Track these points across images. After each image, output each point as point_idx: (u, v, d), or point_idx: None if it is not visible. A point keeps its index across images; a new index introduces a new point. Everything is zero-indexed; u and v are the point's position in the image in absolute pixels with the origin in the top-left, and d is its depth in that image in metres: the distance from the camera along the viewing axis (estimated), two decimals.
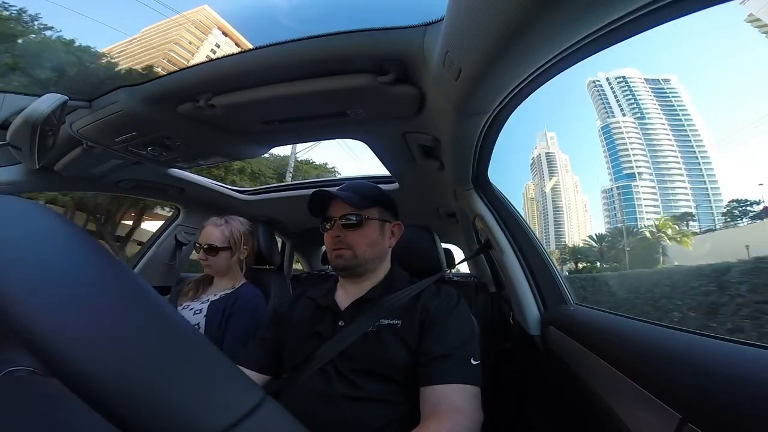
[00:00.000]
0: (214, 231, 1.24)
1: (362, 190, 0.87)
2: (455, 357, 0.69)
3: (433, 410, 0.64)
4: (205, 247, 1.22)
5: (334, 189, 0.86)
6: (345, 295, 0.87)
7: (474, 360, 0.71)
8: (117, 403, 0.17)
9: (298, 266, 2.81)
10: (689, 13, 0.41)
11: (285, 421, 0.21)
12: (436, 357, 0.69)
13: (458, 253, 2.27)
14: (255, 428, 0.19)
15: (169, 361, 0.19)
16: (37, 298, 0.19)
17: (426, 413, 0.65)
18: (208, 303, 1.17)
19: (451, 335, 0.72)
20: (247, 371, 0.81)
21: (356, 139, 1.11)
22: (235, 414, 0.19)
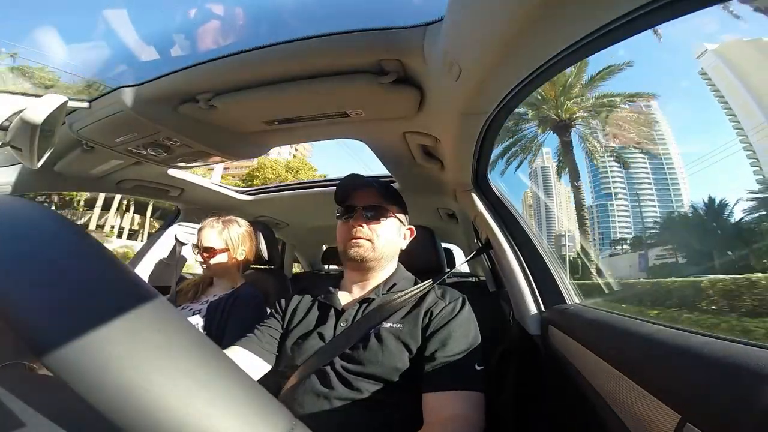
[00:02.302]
0: (211, 233, 1.24)
1: (388, 186, 0.88)
2: (459, 363, 0.69)
3: (436, 417, 0.64)
4: (203, 248, 1.22)
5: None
6: (348, 294, 0.86)
7: (477, 366, 0.70)
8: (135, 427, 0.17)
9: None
10: (689, 13, 0.41)
11: None
12: (439, 363, 0.69)
13: (458, 253, 2.27)
14: None
15: (193, 384, 0.19)
16: (56, 316, 0.18)
17: (429, 419, 0.65)
18: (207, 304, 1.17)
19: (455, 341, 0.72)
20: (246, 354, 0.81)
21: (356, 139, 1.11)
22: None
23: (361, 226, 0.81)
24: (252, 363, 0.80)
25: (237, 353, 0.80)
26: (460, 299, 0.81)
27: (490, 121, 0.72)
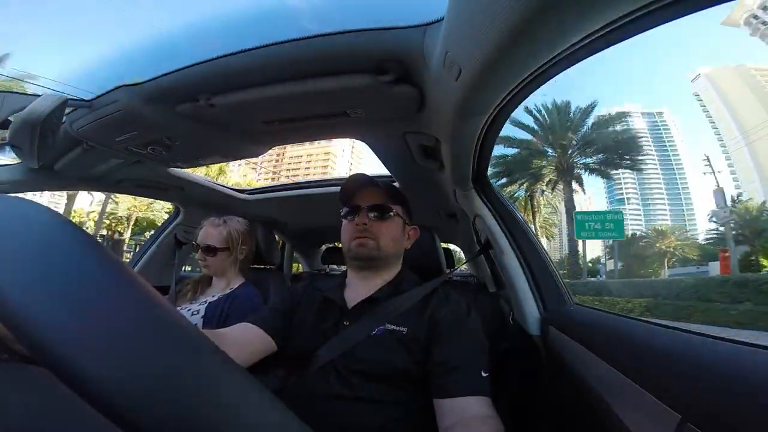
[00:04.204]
0: (213, 231, 1.24)
1: (393, 186, 0.89)
2: (470, 368, 0.68)
3: (458, 421, 0.62)
4: (204, 247, 1.22)
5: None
6: (352, 293, 0.86)
7: (484, 372, 0.70)
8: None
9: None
10: (689, 13, 0.41)
11: None
12: (451, 368, 0.68)
13: (459, 253, 2.26)
14: None
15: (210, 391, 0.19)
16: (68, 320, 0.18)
17: (448, 424, 0.63)
18: (206, 304, 1.17)
19: (463, 346, 0.71)
20: (254, 329, 0.80)
21: (356, 139, 1.11)
22: None
23: (366, 225, 0.82)
24: (259, 340, 0.79)
25: (245, 329, 0.80)
26: (465, 306, 0.80)
27: (490, 122, 0.72)
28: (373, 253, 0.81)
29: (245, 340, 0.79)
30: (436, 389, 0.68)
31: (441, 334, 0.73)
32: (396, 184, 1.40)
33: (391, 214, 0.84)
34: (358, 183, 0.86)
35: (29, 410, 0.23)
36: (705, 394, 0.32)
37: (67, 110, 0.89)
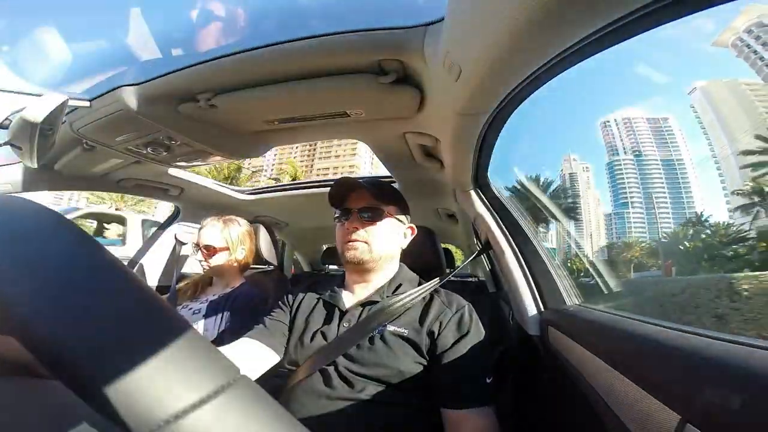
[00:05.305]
0: (212, 231, 1.24)
1: (383, 186, 0.88)
2: (472, 381, 0.70)
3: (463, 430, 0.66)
4: (204, 247, 1.22)
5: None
6: (351, 295, 0.86)
7: (488, 379, 0.71)
8: (76, 368, 0.16)
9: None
10: (689, 14, 0.41)
11: (259, 400, 0.20)
12: (453, 384, 0.69)
13: (458, 253, 2.27)
14: (223, 408, 0.17)
15: (134, 336, 0.18)
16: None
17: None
18: (207, 303, 1.17)
19: (467, 364, 0.72)
20: (256, 344, 0.80)
21: (356, 139, 1.12)
22: (202, 391, 0.17)
23: (357, 228, 0.81)
24: (261, 354, 0.79)
25: (247, 344, 0.80)
26: (467, 309, 0.80)
27: (490, 121, 0.72)
28: (365, 256, 0.81)
29: (248, 356, 0.78)
30: (438, 398, 0.69)
31: (446, 341, 0.73)
32: (396, 184, 1.40)
33: (383, 215, 0.84)
34: (347, 186, 0.85)
35: (42, 425, 0.23)
36: (705, 394, 0.32)
37: (67, 110, 0.89)
